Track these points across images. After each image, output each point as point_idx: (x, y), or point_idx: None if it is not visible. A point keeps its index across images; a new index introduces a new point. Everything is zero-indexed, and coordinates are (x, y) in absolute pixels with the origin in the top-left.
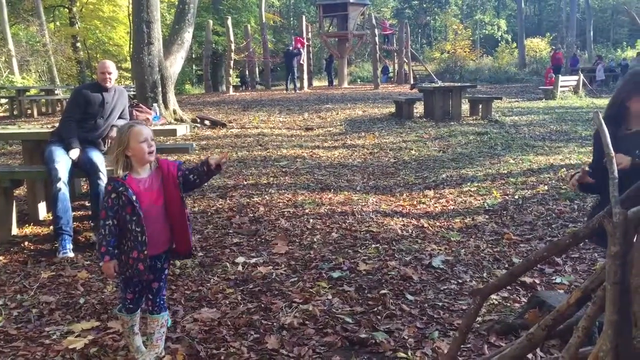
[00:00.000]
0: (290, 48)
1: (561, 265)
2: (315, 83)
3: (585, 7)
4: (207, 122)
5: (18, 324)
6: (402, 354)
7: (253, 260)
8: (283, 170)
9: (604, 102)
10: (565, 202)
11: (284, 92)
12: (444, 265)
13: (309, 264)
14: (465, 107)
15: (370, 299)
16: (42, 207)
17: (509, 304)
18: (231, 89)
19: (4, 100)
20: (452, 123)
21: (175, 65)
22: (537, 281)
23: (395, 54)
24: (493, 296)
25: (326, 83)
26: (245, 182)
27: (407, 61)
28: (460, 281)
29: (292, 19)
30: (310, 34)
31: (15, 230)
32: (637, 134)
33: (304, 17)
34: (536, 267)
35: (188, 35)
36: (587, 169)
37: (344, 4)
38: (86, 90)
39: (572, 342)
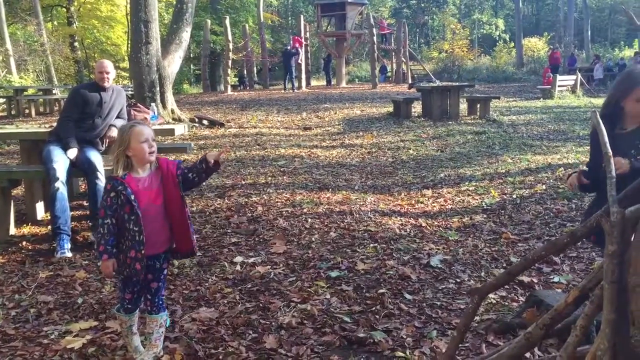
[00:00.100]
0: (289, 47)
1: (559, 264)
2: (313, 82)
3: (583, 7)
4: (205, 122)
5: (16, 324)
6: (400, 353)
7: (251, 260)
8: (281, 169)
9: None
10: (563, 201)
11: (282, 91)
12: (442, 264)
13: (307, 264)
14: (463, 106)
15: (369, 299)
16: (40, 207)
17: (507, 303)
18: (229, 88)
19: (1, 100)
20: (450, 122)
21: (173, 64)
22: (535, 280)
23: (393, 53)
24: (491, 295)
25: (324, 82)
26: (243, 182)
27: (405, 61)
28: (458, 280)
29: (290, 18)
30: (308, 33)
31: (13, 230)
32: (632, 134)
33: (302, 16)
34: (534, 266)
35: (186, 34)
36: (584, 168)
37: (342, 4)
38: (84, 90)
39: (570, 341)
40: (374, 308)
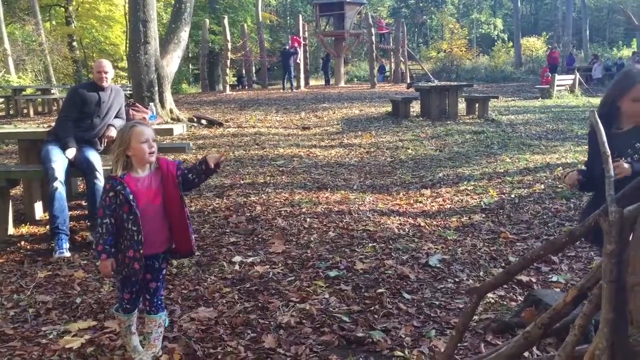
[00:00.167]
0: (287, 47)
1: (557, 263)
2: (312, 82)
3: (581, 6)
4: (203, 122)
5: (15, 324)
6: (399, 353)
7: (250, 260)
8: (280, 169)
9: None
10: (561, 200)
11: (281, 91)
12: (441, 264)
13: (305, 263)
14: (462, 106)
15: (367, 298)
16: (38, 207)
17: (505, 303)
18: (228, 88)
19: (0, 100)
20: (449, 122)
21: (171, 64)
22: (534, 280)
23: (392, 53)
24: (490, 295)
25: (323, 82)
26: (242, 182)
27: (403, 60)
28: (457, 280)
29: (288, 18)
30: (307, 33)
31: (11, 230)
32: (628, 133)
33: (300, 16)
34: (532, 265)
35: (184, 34)
36: (583, 167)
37: (340, 3)
38: (82, 90)
39: (568, 341)
40: (372, 307)
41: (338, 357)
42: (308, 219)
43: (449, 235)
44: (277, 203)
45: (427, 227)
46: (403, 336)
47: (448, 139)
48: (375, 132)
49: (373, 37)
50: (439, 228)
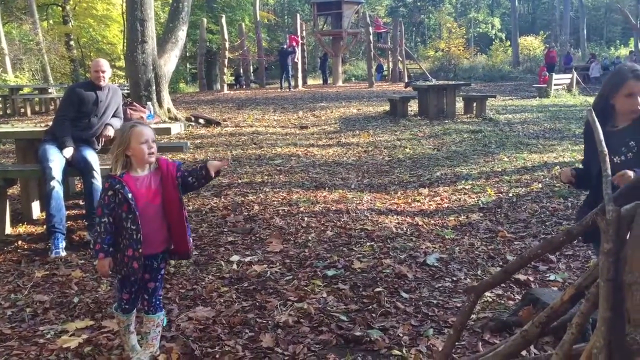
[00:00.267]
0: (285, 46)
1: (555, 262)
2: (310, 81)
3: (579, 6)
4: (201, 121)
5: (12, 323)
6: (396, 352)
7: (248, 259)
8: (277, 168)
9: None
10: (559, 199)
11: (279, 90)
12: (439, 263)
13: (303, 262)
14: (460, 105)
15: (365, 297)
16: (35, 206)
17: (503, 302)
18: (225, 87)
19: None
20: (447, 121)
21: (169, 63)
22: (531, 278)
23: (390, 52)
24: (487, 294)
25: (321, 81)
26: (239, 181)
27: (401, 59)
28: (454, 279)
29: (286, 17)
30: (304, 32)
31: (8, 230)
32: (623, 131)
33: (298, 15)
34: (530, 264)
35: (182, 33)
36: (579, 166)
37: (338, 2)
38: (80, 89)
39: (565, 339)
40: (370, 307)
41: (336, 356)
42: (306, 218)
43: (446, 234)
44: (275, 202)
45: (424, 226)
46: (401, 335)
47: (446, 138)
48: (373, 131)
49: (371, 37)
50: (437, 227)
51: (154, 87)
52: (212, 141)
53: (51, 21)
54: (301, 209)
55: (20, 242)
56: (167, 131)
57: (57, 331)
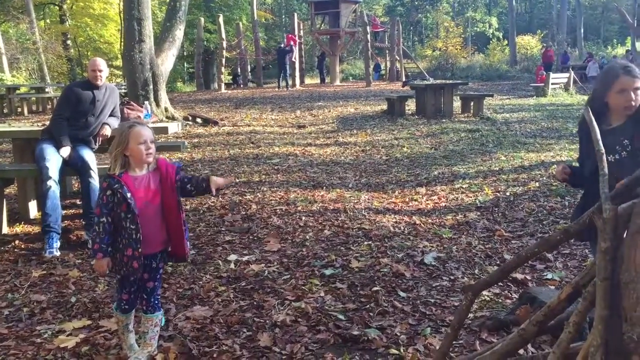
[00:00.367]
0: (282, 45)
1: (552, 261)
2: (307, 80)
3: (576, 5)
4: (198, 120)
5: (9, 323)
6: (394, 351)
7: (245, 258)
8: (275, 168)
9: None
10: (556, 198)
11: (276, 89)
12: (436, 262)
13: (301, 262)
14: (457, 104)
15: (363, 296)
16: (32, 206)
17: (500, 300)
18: (223, 86)
19: None
20: (444, 120)
21: (166, 62)
22: (529, 277)
23: (387, 51)
24: (485, 292)
25: (318, 80)
26: (237, 180)
27: (398, 59)
28: (452, 278)
29: (284, 16)
30: (302, 31)
31: (5, 229)
32: (617, 130)
33: (295, 14)
34: (527, 263)
35: (179, 32)
36: (575, 164)
37: (335, 2)
38: (77, 88)
39: (563, 338)
40: (368, 306)
41: (333, 356)
42: (303, 218)
43: (444, 233)
44: (273, 201)
45: (422, 225)
46: (398, 334)
47: (443, 137)
48: (370, 130)
49: (368, 36)
50: (434, 226)
51: (151, 86)
52: (209, 140)
53: (48, 20)
54: (299, 208)
55: (17, 242)
56: (164, 130)
57: (54, 331)
